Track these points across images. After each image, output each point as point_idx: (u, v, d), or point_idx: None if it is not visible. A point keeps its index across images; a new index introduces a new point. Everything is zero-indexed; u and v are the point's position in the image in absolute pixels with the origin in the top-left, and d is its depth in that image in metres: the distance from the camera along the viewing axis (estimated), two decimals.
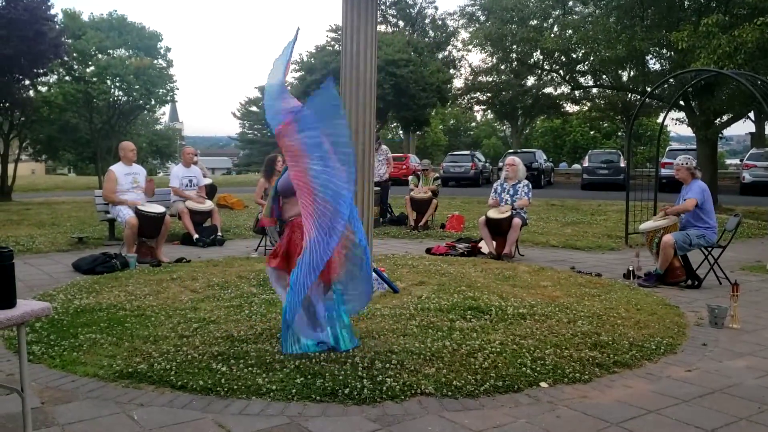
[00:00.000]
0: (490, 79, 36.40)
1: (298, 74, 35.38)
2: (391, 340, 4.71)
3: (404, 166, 29.46)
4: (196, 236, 9.96)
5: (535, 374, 4.11)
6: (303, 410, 3.60)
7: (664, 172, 19.71)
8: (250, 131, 68.76)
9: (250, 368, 4.10)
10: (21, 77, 19.55)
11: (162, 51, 28.77)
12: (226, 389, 3.81)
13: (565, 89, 33.58)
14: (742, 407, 3.73)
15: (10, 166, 21.81)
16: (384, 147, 13.60)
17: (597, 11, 20.98)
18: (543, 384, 4.01)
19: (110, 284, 6.77)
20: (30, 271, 7.84)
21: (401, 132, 49.22)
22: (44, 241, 10.14)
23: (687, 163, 7.48)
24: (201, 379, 3.93)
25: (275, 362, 4.22)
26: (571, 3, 24.70)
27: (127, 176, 8.94)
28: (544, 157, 33.37)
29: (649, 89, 17.55)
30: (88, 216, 14.12)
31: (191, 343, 4.61)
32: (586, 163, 29.42)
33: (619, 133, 52.00)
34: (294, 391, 3.78)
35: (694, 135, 19.82)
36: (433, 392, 3.82)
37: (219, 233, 10.32)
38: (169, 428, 3.37)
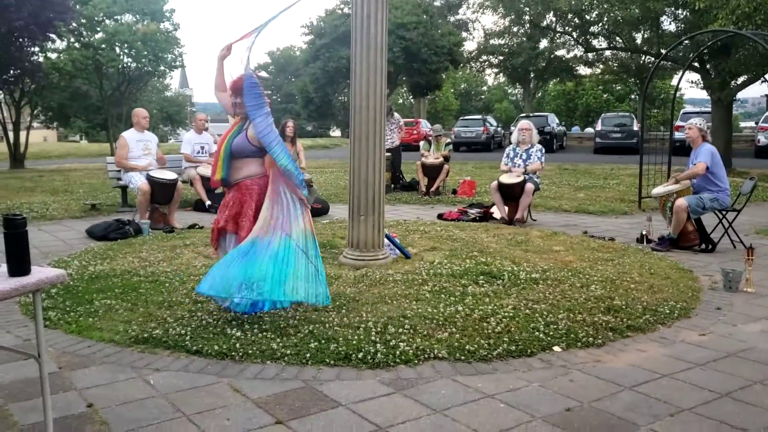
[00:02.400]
0: (503, 42, 35.90)
1: (307, 38, 35.00)
2: (404, 305, 4.73)
3: (415, 131, 29.25)
4: (208, 202, 9.97)
5: (548, 338, 4.11)
6: (317, 374, 3.63)
7: (677, 135, 19.50)
8: None
9: (264, 333, 4.13)
10: (30, 44, 19.47)
11: (168, 14, 28.50)
12: (241, 354, 3.85)
13: (578, 52, 33.11)
14: (757, 371, 3.73)
15: (23, 134, 21.87)
16: (396, 115, 13.48)
17: None
18: (556, 348, 4.02)
19: (124, 250, 6.81)
20: (44, 237, 7.89)
21: (411, 97, 48.77)
22: (57, 207, 10.20)
23: (699, 125, 7.38)
24: (216, 343, 3.96)
25: (289, 327, 4.24)
26: None
27: (138, 143, 8.94)
28: (557, 121, 33.08)
29: (663, 51, 17.28)
30: (100, 183, 14.18)
31: (205, 309, 4.64)
32: (598, 127, 29.13)
33: (632, 96, 51.35)
34: (308, 355, 3.81)
35: (708, 98, 19.56)
36: (447, 356, 3.84)
37: None
38: (185, 393, 3.41)
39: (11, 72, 19.78)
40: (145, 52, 25.76)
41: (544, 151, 9.26)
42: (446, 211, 9.73)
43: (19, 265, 2.49)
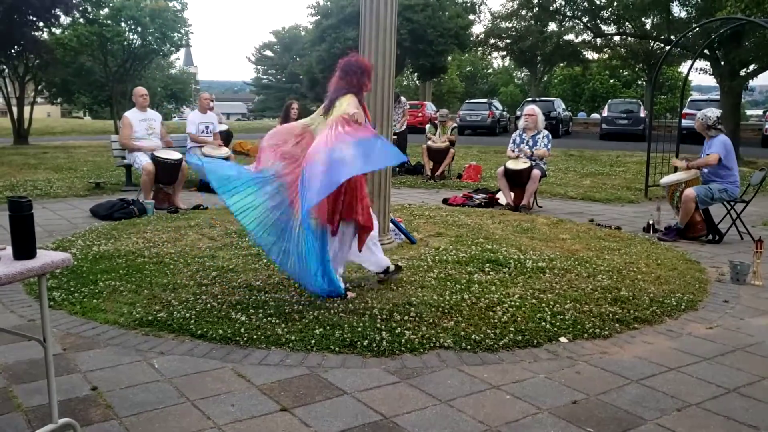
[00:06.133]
0: (510, 25, 35.59)
1: (313, 18, 34.76)
2: (409, 292, 4.69)
3: (420, 114, 29.05)
4: None
5: (555, 329, 4.08)
6: (322, 361, 3.60)
7: (684, 123, 19.39)
8: (264, 76, 68.25)
9: (269, 318, 4.11)
10: (34, 20, 19.33)
11: None
12: (245, 339, 3.83)
13: (586, 36, 32.83)
14: (765, 366, 3.69)
15: (26, 109, 21.78)
16: (403, 99, 13.38)
17: None
18: (562, 339, 3.99)
19: (128, 231, 6.78)
20: (48, 215, 7.87)
21: (417, 79, 48.48)
22: (62, 185, 10.17)
23: (702, 119, 7.28)
24: (220, 328, 3.94)
25: (294, 312, 4.22)
26: None
27: (142, 122, 8.89)
28: (563, 106, 32.85)
29: (673, 38, 17.11)
30: (104, 161, 14.15)
31: (210, 292, 4.62)
32: (605, 113, 28.97)
33: (639, 82, 51.00)
34: (313, 341, 3.79)
35: (716, 85, 19.39)
36: (452, 346, 3.81)
37: None
38: (189, 377, 3.39)
39: (14, 49, 19.66)
40: (152, 29, 25.57)
41: (551, 137, 9.19)
42: (451, 196, 9.68)
43: (25, 248, 2.46)
